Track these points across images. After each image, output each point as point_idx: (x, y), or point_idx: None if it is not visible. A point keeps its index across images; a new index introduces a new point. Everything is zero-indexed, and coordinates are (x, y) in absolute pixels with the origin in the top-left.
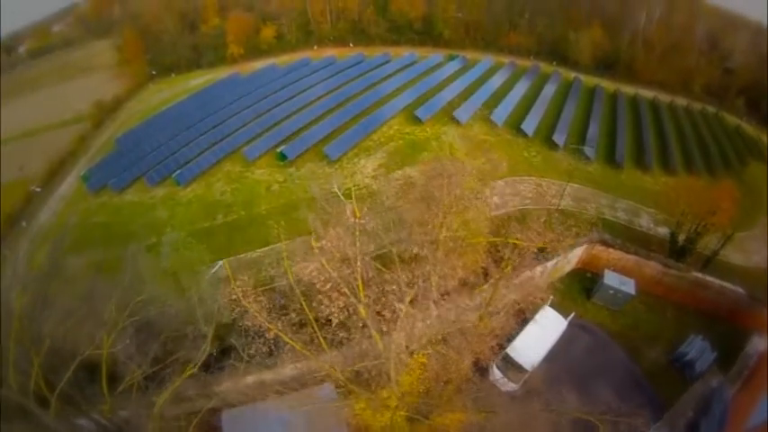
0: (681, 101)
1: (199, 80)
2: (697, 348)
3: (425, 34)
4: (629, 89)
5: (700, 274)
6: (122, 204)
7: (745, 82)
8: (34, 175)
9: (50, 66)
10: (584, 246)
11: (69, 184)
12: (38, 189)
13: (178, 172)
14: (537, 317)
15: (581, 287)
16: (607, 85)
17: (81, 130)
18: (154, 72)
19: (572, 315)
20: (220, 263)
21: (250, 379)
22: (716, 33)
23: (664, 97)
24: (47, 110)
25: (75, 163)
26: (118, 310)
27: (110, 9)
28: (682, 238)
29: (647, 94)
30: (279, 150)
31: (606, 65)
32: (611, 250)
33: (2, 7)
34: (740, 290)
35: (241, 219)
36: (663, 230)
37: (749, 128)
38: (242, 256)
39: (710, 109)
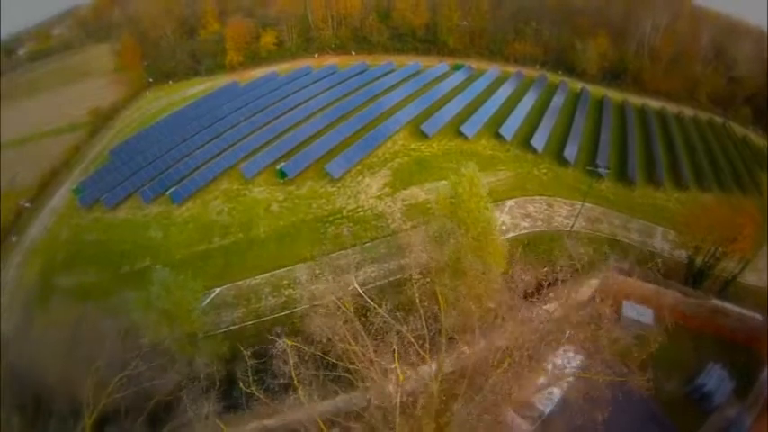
0: (688, 111)
1: (197, 88)
2: (715, 378)
3: (429, 42)
4: (636, 99)
5: (719, 302)
6: (115, 222)
7: (751, 90)
8: (26, 186)
9: (49, 69)
10: (602, 275)
11: (62, 196)
12: (27, 204)
13: (173, 189)
14: (554, 356)
15: (596, 317)
16: (614, 95)
17: (76, 139)
18: (151, 80)
19: (590, 354)
20: (217, 290)
21: (252, 425)
22: (720, 41)
23: (671, 107)
24: (43, 116)
25: (68, 174)
26: (100, 386)
27: (110, 12)
28: (699, 261)
29: (654, 104)
30: (278, 167)
31: (613, 74)
32: (628, 279)
33: (3, 9)
34: (758, 316)
35: (239, 242)
36: (678, 251)
37: (756, 138)
38: (240, 282)
39: (717, 119)
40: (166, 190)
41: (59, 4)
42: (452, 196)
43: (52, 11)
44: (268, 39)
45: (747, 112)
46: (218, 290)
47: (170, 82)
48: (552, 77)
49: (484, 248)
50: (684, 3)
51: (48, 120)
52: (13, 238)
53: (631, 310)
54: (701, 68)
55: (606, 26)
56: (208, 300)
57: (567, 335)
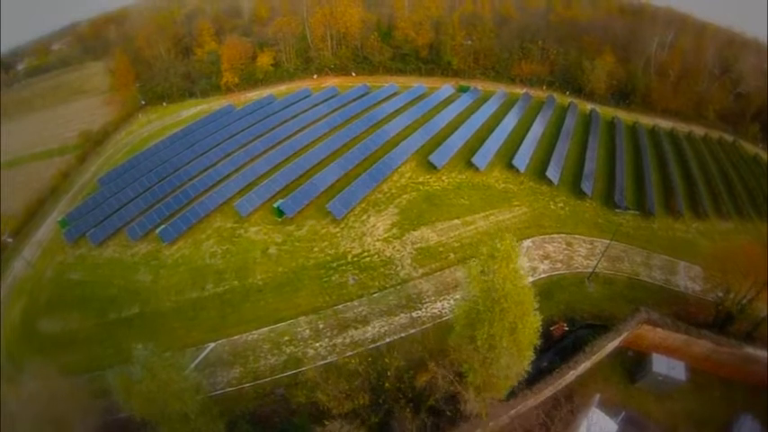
0: (698, 130)
1: (191, 110)
2: (747, 430)
3: (433, 63)
4: (645, 119)
5: (751, 349)
6: (101, 261)
7: (758, 106)
8: (13, 214)
9: (45, 86)
10: (628, 327)
11: (48, 227)
12: (9, 239)
13: (162, 227)
14: (585, 423)
15: (624, 369)
16: (624, 116)
17: (65, 163)
18: (144, 102)
19: (621, 415)
20: (211, 345)
21: None
22: (725, 56)
23: (681, 127)
24: (34, 136)
25: (55, 202)
26: None
27: (107, 30)
28: (729, 304)
29: (664, 124)
30: (275, 205)
31: (621, 94)
32: (657, 329)
33: (4, 23)
34: None
35: (234, 290)
36: (701, 287)
37: (765, 155)
38: (236, 337)
39: (727, 137)
40: (156, 227)
41: (60, 19)
42: (484, 272)
43: (53, 26)
44: (265, 59)
45: (756, 130)
46: (211, 345)
47: (164, 103)
48: (560, 98)
49: (520, 331)
50: (687, 17)
51: (39, 141)
52: None
53: (661, 364)
54: (707, 85)
55: (612, 44)
56: (201, 356)
57: (597, 397)
